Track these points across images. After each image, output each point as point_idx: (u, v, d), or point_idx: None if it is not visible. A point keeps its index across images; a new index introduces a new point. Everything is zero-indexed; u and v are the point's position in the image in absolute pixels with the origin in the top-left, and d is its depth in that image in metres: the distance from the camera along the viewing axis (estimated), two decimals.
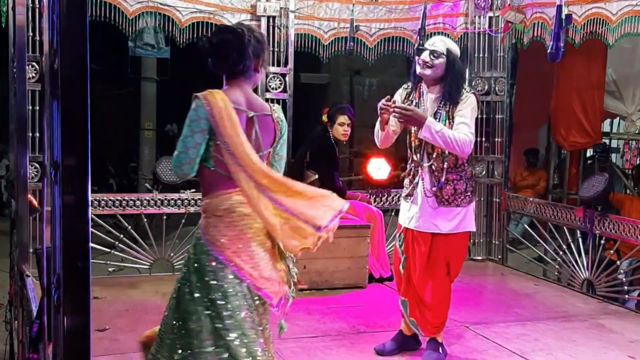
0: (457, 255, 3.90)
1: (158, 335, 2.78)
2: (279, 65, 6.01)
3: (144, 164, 12.10)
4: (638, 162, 12.04)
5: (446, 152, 3.73)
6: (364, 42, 6.24)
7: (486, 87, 6.48)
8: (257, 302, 2.71)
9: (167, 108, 12.57)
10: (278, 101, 5.96)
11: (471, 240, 6.61)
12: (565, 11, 4.15)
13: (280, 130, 2.92)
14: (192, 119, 2.69)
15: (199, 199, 5.96)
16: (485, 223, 6.58)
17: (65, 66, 1.42)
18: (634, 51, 7.65)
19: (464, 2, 6.41)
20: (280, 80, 6.01)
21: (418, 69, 3.80)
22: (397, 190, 6.61)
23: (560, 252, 6.04)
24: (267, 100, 5.95)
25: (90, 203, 1.51)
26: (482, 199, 6.56)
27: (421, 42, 3.86)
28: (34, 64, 5.13)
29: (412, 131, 3.84)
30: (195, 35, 5.74)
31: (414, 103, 3.85)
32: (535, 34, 5.97)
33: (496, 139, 6.51)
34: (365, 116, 7.52)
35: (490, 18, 6.36)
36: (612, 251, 5.76)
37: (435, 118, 3.73)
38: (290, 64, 6.03)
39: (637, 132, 8.28)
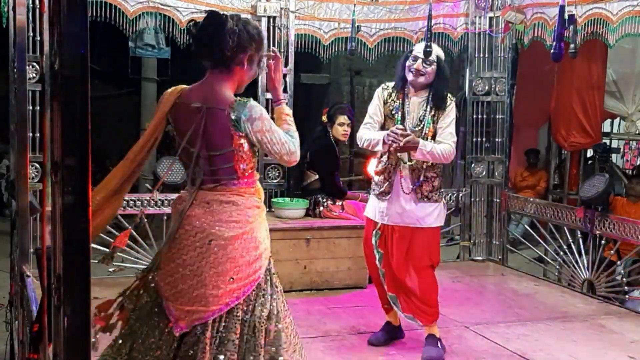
0: (437, 246, 4.13)
1: None
2: None
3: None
4: (638, 162, 12.05)
5: None
6: (365, 43, 6.24)
7: (486, 88, 6.48)
8: None
9: None
10: None
11: (471, 241, 6.62)
12: (566, 12, 4.15)
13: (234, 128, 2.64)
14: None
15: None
16: (486, 223, 6.58)
17: (66, 66, 1.41)
18: (634, 51, 7.66)
19: (465, 2, 6.41)
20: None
21: (410, 77, 3.95)
22: None
23: (561, 253, 6.04)
24: (267, 100, 5.96)
25: (90, 203, 1.51)
26: (482, 199, 6.56)
27: (428, 44, 3.90)
28: (35, 64, 5.13)
29: None
30: None
31: (396, 104, 3.99)
32: (536, 34, 5.97)
33: (496, 139, 6.51)
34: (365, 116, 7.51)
35: (491, 18, 6.36)
36: (612, 251, 5.76)
37: (421, 122, 3.96)
38: (291, 64, 6.03)
39: (637, 132, 8.28)
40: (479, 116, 6.48)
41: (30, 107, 5.02)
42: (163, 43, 10.44)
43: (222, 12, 2.80)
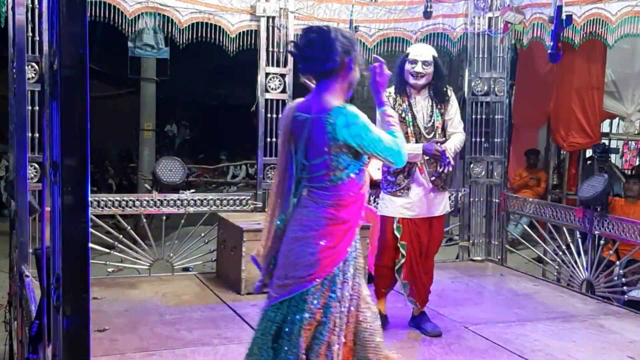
0: (442, 233, 4.56)
1: None
2: (278, 65, 6.01)
3: (143, 165, 12.09)
4: (637, 162, 12.05)
5: None
6: (364, 43, 6.24)
7: (485, 88, 6.48)
8: None
9: (166, 108, 12.58)
10: (278, 102, 5.97)
11: (470, 241, 6.62)
12: (564, 12, 4.16)
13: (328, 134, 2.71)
14: None
15: (199, 199, 6.00)
16: (485, 224, 6.58)
17: (65, 66, 1.42)
18: (634, 52, 7.67)
19: (464, 2, 6.41)
20: (279, 81, 6.01)
21: (412, 80, 4.21)
22: None
23: (560, 253, 6.04)
24: (266, 100, 5.97)
25: (89, 203, 1.52)
26: (481, 199, 6.56)
27: (429, 4, 4.31)
28: (34, 64, 5.12)
29: (408, 132, 4.18)
30: (194, 36, 5.74)
31: (403, 107, 4.23)
32: (535, 35, 5.97)
33: (495, 140, 6.50)
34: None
35: (490, 19, 6.36)
36: (611, 252, 5.76)
37: (431, 118, 4.26)
38: (290, 65, 6.03)
39: (636, 132, 8.29)
40: (478, 116, 6.48)
41: (30, 107, 5.02)
42: (162, 43, 10.43)
43: (317, 25, 2.91)
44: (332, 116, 2.67)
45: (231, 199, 6.11)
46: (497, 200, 6.55)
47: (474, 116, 6.48)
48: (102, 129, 11.68)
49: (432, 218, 4.34)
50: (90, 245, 1.54)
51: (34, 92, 5.10)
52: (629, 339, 4.48)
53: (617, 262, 5.64)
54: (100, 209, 5.64)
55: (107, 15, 5.48)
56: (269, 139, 5.98)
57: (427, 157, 4.21)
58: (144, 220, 5.97)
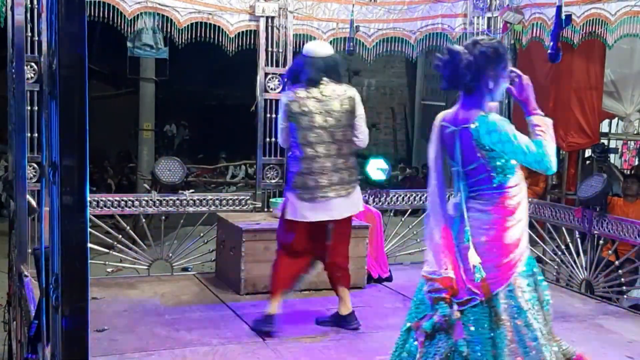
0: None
1: None
2: (277, 65, 6.01)
3: (142, 165, 12.10)
4: (636, 162, 12.06)
5: None
6: (363, 43, 6.24)
7: None
8: None
9: (165, 108, 12.58)
10: (277, 101, 5.96)
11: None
12: (563, 12, 4.16)
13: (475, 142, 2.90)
14: None
15: (198, 199, 5.99)
16: None
17: (64, 66, 1.41)
18: (633, 52, 7.67)
19: (463, 2, 6.41)
20: (279, 81, 6.01)
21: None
22: (396, 190, 6.62)
23: (559, 253, 6.04)
24: (266, 100, 5.96)
25: (88, 203, 1.51)
26: None
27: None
28: (33, 64, 5.11)
29: None
30: (193, 36, 5.74)
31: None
32: (534, 35, 5.97)
33: None
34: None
35: (489, 19, 6.36)
36: (610, 252, 5.76)
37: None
38: (289, 65, 6.02)
39: (635, 132, 8.29)
40: None
41: (29, 107, 5.01)
42: (161, 43, 10.44)
43: (454, 47, 2.97)
44: (475, 125, 2.87)
45: (230, 199, 6.10)
46: None
47: None
48: (101, 129, 11.70)
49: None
50: (89, 245, 1.54)
51: (32, 92, 5.09)
52: (628, 339, 4.48)
53: (617, 262, 5.64)
54: (99, 209, 5.64)
55: (106, 15, 5.47)
56: (268, 139, 5.97)
57: None
58: (143, 220, 5.96)
